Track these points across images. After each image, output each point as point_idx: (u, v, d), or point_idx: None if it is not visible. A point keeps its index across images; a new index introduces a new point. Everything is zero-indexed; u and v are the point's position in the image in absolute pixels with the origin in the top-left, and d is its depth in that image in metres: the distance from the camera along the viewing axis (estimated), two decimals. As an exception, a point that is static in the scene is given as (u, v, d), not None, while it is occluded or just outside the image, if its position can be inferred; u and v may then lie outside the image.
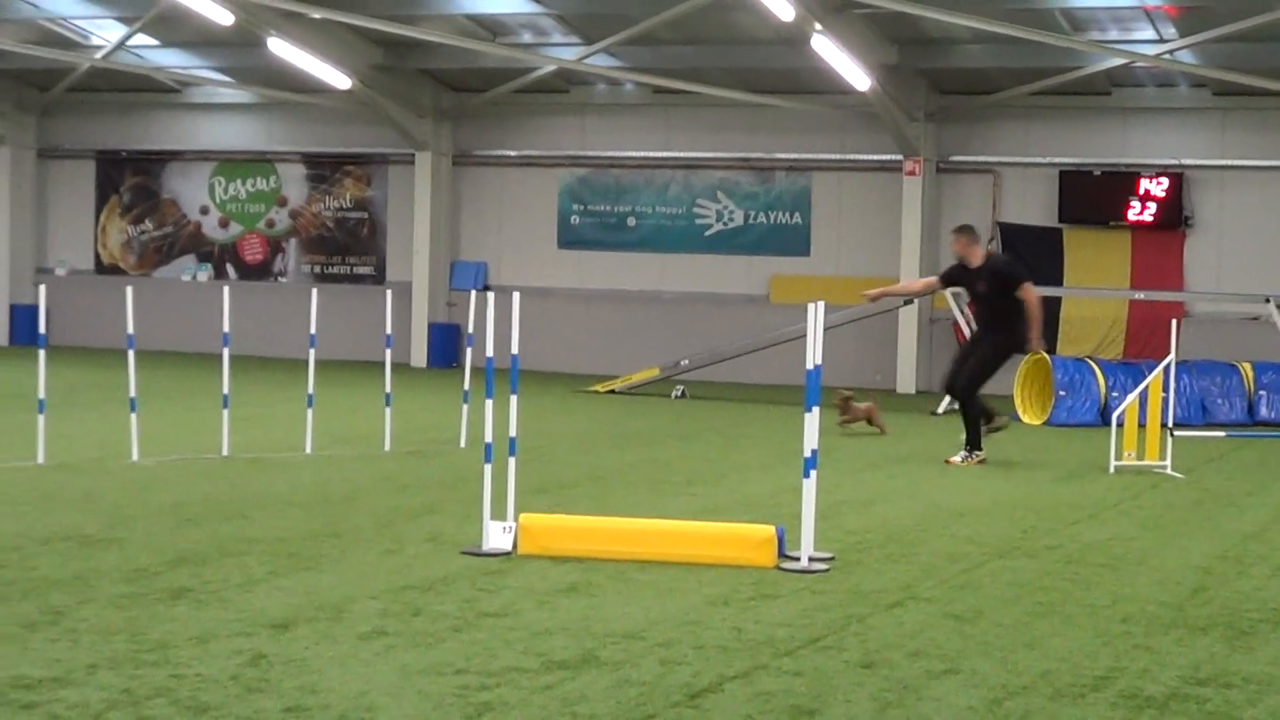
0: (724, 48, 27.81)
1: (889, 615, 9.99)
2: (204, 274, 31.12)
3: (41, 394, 15.98)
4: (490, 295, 12.21)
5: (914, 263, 28.67)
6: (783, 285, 30.07)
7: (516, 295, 12.18)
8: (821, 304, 11.36)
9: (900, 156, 28.92)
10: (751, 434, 21.66)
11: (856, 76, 26.51)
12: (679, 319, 29.98)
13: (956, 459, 18.30)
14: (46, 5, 27.42)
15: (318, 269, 31.16)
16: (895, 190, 29.26)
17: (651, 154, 30.39)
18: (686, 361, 26.87)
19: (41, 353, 16.08)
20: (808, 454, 11.37)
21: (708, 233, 30.36)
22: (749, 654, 8.92)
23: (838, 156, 29.87)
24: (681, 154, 30.31)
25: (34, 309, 30.29)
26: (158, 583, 10.55)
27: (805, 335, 11.66)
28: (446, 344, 30.38)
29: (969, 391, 18.44)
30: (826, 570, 11.29)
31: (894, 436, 21.64)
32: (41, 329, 16.04)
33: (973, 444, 18.41)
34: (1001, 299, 18.37)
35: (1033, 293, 18.27)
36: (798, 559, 11.30)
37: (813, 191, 30.08)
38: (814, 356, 11.33)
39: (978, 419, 18.42)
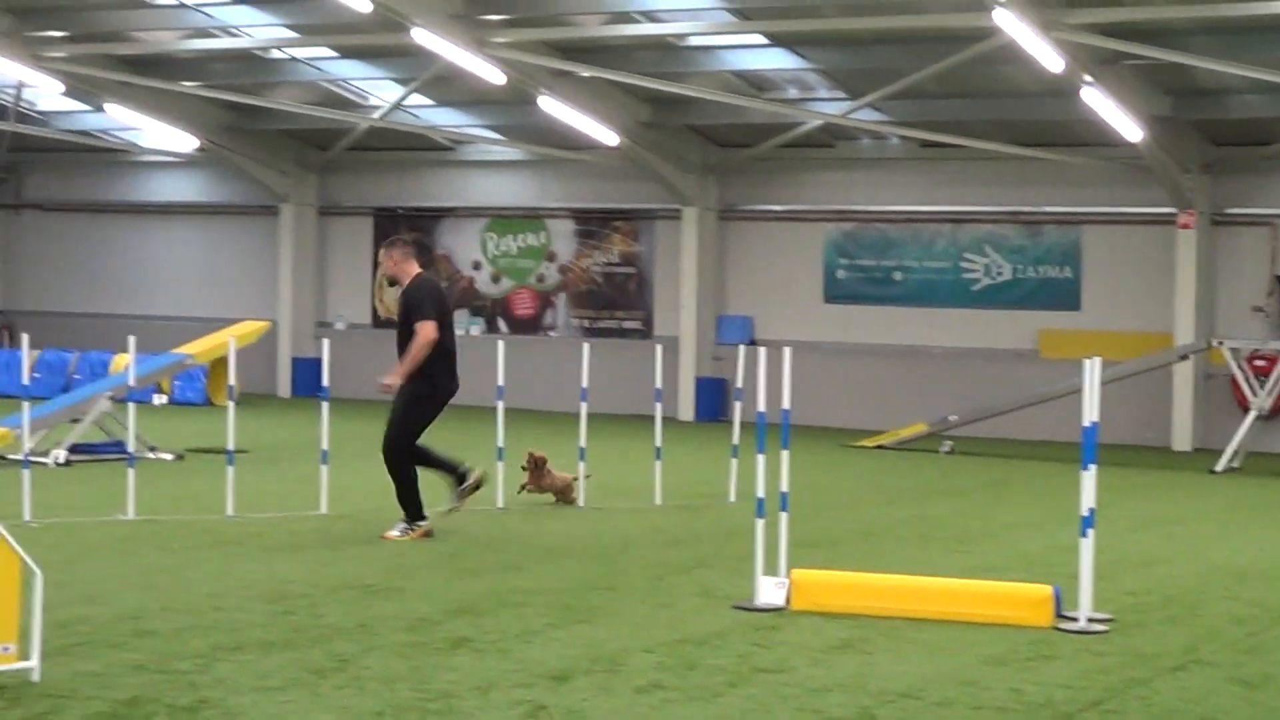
0: (991, 100, 27.63)
1: (1172, 679, 9.80)
2: (476, 328, 31.61)
3: (325, 445, 16.34)
4: (762, 350, 12.23)
5: (1189, 317, 28.16)
6: (1053, 340, 29.73)
7: (788, 350, 12.22)
8: (1098, 360, 11.24)
9: (1173, 209, 28.46)
10: (1022, 490, 21.37)
11: (1128, 128, 26.15)
12: (946, 374, 29.77)
13: (394, 533, 14.80)
14: (328, 68, 28.11)
15: (586, 323, 31.49)
16: (1168, 244, 28.77)
17: (918, 208, 30.26)
18: (955, 417, 26.66)
19: (325, 405, 16.44)
20: (1085, 512, 11.21)
21: (975, 287, 30.14)
22: (1028, 716, 8.82)
23: (1108, 209, 29.45)
24: (948, 208, 30.13)
25: (315, 362, 30.89)
26: (438, 632, 10.72)
27: (1080, 391, 11.51)
28: (713, 398, 30.51)
29: (393, 453, 15.12)
30: (1105, 631, 11.10)
31: (1171, 496, 21.15)
32: (325, 382, 16.40)
33: (412, 514, 14.98)
34: (409, 332, 15.21)
35: (426, 331, 14.97)
36: (1075, 619, 11.13)
37: (1083, 245, 29.70)
38: (1090, 413, 11.19)
39: (411, 485, 15.02)
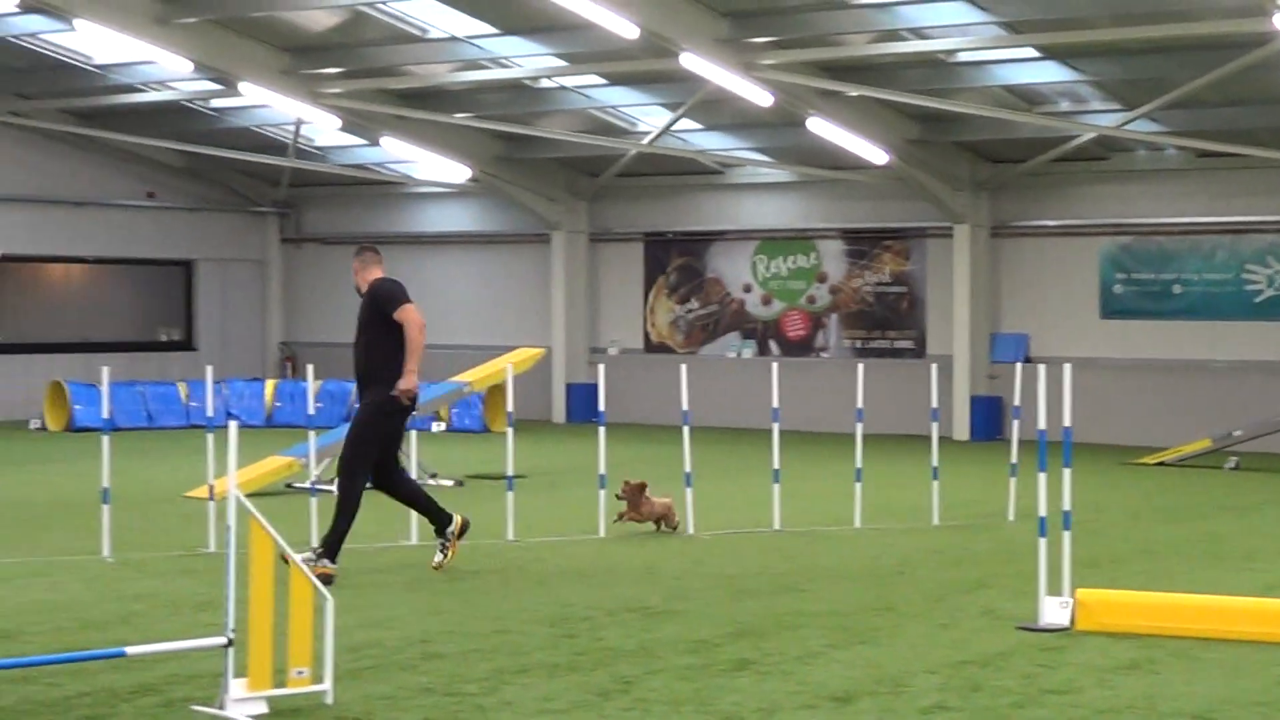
0: (1271, 107, 27.01)
1: None
2: (748, 351, 31.68)
3: (602, 469, 16.50)
4: (1040, 367, 12.12)
5: None
6: (1339, 351, 29.03)
7: (1068, 367, 12.09)
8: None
9: None
10: (1311, 506, 20.86)
11: None
12: (1229, 388, 29.14)
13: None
14: (597, 95, 28.39)
15: (859, 344, 31.40)
16: None
17: (1196, 219, 29.67)
18: (1239, 432, 26.09)
19: (601, 430, 16.61)
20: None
21: (1258, 299, 29.46)
22: (1325, 736, 8.64)
23: (1395, 216, 28.69)
24: (1228, 218, 29.49)
25: (589, 387, 31.32)
26: (720, 654, 10.78)
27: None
28: (988, 417, 30.22)
29: (347, 468, 13.90)
30: (1403, 649, 10.82)
31: None
32: (601, 406, 16.57)
33: (328, 548, 13.57)
34: (375, 331, 14.28)
35: (412, 315, 14.15)
36: (1371, 637, 10.86)
37: (1368, 253, 28.96)
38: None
39: (348, 514, 13.64)
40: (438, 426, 28.44)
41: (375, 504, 18.09)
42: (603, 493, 16.48)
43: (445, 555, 14.16)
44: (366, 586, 13.27)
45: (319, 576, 11.77)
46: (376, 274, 14.44)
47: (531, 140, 30.73)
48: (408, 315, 14.06)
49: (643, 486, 16.84)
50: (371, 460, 13.97)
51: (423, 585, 13.59)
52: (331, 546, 13.57)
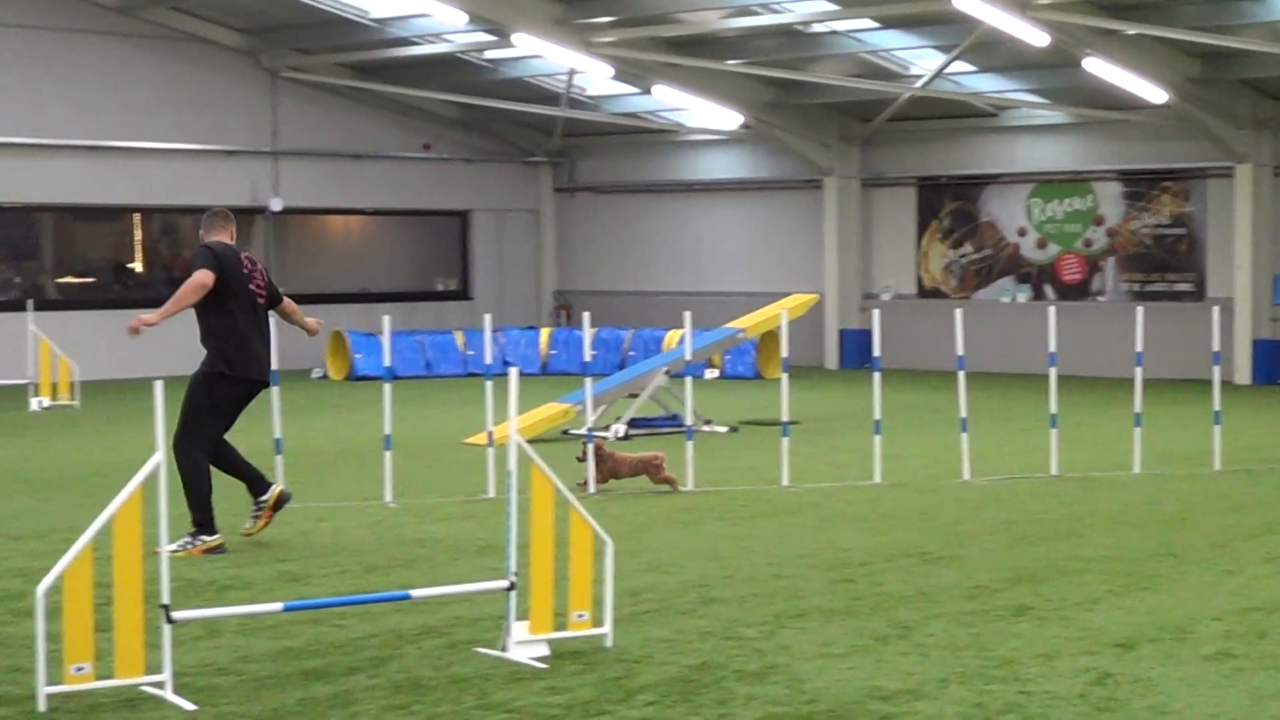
0: None
1: None
2: (1023, 295, 31.29)
3: (877, 415, 16.45)
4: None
5: None
6: None
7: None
8: None
9: None
10: None
11: None
12: None
13: (171, 547, 11.59)
14: (869, 39, 28.19)
15: (1135, 287, 30.86)
16: None
17: None
18: None
19: (876, 375, 16.55)
20: None
21: None
22: None
23: None
24: None
25: (862, 333, 31.23)
26: (998, 600, 10.73)
27: None
28: (1271, 361, 29.53)
29: (180, 444, 12.93)
30: None
31: None
32: (876, 352, 16.51)
33: (199, 523, 12.86)
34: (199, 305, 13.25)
35: (196, 276, 12.96)
36: None
37: None
38: None
39: (200, 486, 12.84)
40: (711, 373, 28.55)
41: (645, 449, 18.23)
42: (878, 439, 16.41)
43: (255, 523, 13.12)
44: (644, 532, 13.39)
45: (210, 550, 12.61)
46: (215, 238, 13.35)
47: (803, 85, 30.63)
48: (193, 275, 13.00)
49: (600, 446, 15.84)
50: (208, 431, 13.06)
51: (699, 531, 13.68)
52: (202, 522, 12.83)
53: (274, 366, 13.74)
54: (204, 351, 13.22)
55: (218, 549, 12.69)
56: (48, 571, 8.34)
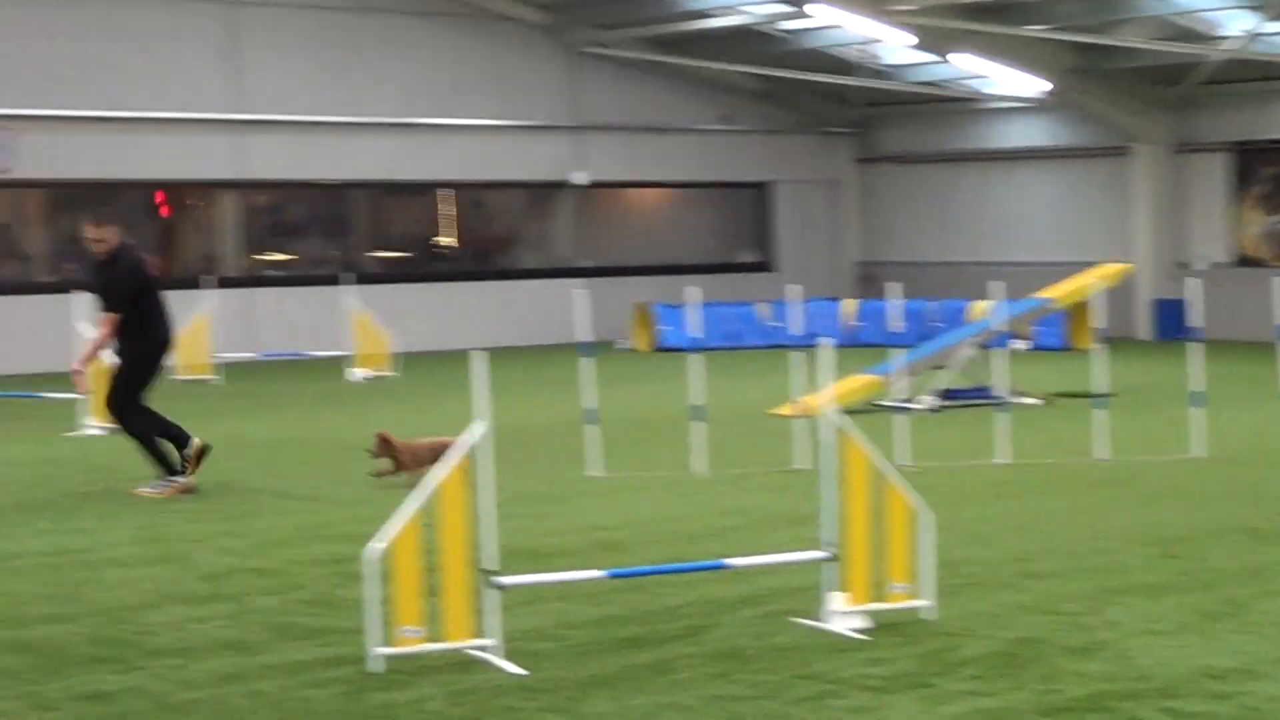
0: None
1: None
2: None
3: (1196, 387, 16.03)
4: None
5: None
6: None
7: None
8: None
9: None
10: None
11: None
12: None
13: (147, 489, 14.36)
14: (1178, 1, 27.57)
15: None
16: None
17: None
18: None
19: (1194, 346, 16.12)
20: None
21: None
22: None
23: None
24: None
25: (1176, 303, 30.52)
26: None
27: None
28: None
29: (119, 411, 14.81)
30: None
31: None
32: (1193, 322, 16.10)
33: (165, 469, 14.55)
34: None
35: (103, 323, 14.85)
36: None
37: None
38: None
39: (149, 440, 14.62)
40: (1022, 344, 28.12)
41: (961, 422, 18.06)
42: (1197, 411, 15.96)
43: (156, 490, 14.34)
44: (959, 505, 13.21)
45: (180, 492, 14.19)
46: (113, 238, 14.96)
47: (1109, 50, 30.01)
48: (102, 322, 14.92)
49: (385, 437, 14.89)
50: (135, 398, 14.76)
51: (1016, 504, 13.50)
52: (163, 465, 14.53)
53: (588, 338, 13.88)
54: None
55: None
56: (376, 538, 8.50)
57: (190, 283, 27.40)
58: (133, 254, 15.34)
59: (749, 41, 31.83)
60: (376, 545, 8.40)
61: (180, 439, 14.75)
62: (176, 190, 29.15)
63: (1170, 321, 30.94)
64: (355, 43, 29.76)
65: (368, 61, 29.90)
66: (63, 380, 20.02)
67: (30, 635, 9.34)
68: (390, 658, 8.47)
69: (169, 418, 15.00)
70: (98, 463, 16.15)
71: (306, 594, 10.32)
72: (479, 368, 8.58)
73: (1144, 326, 31.94)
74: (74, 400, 18.86)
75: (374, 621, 8.45)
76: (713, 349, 28.59)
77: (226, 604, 10.08)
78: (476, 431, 8.49)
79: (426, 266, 31.83)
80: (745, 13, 29.69)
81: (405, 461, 14.74)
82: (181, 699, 8.04)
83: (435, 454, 13.32)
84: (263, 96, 28.91)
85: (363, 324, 25.45)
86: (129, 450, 15.55)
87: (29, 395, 20.67)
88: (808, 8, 27.31)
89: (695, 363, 15.48)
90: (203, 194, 29.42)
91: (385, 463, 14.77)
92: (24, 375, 24.58)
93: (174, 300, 25.97)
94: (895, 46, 30.78)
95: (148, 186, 28.76)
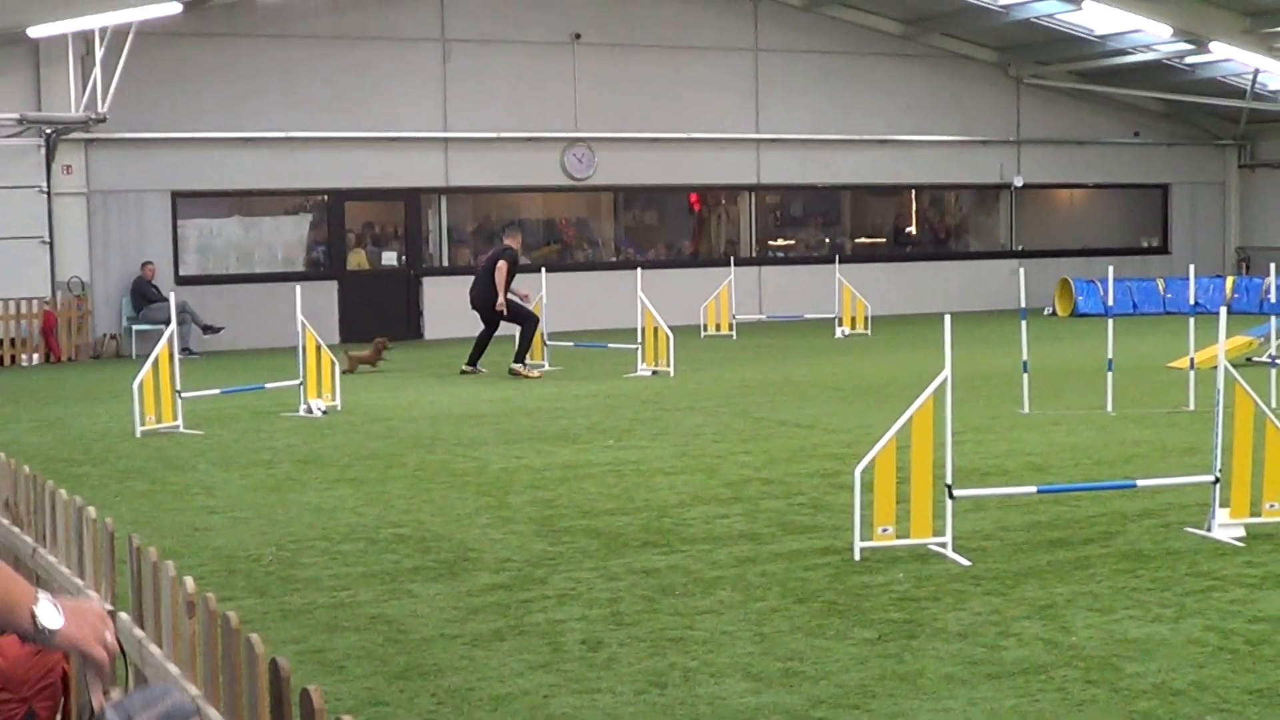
0: None
1: None
2: None
3: None
4: None
5: None
6: None
7: None
8: None
9: None
10: None
11: None
12: None
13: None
14: None
15: None
16: None
17: None
18: None
19: None
20: None
21: None
22: None
23: None
24: None
25: None
26: None
27: None
28: None
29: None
30: None
31: None
32: None
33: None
34: None
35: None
36: None
37: None
38: None
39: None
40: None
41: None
42: None
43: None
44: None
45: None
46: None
47: None
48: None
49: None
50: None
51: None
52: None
53: (1023, 305, 13.61)
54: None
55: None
56: (857, 457, 8.55)
57: (717, 261, 27.87)
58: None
59: (1157, 72, 30.59)
60: (862, 463, 8.46)
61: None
62: (708, 192, 29.63)
63: None
64: (849, 78, 29.69)
65: (857, 92, 29.81)
66: (624, 335, 20.64)
67: (598, 524, 9.65)
68: (868, 550, 8.52)
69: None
70: (647, 398, 16.58)
71: (804, 499, 10.39)
72: (947, 327, 8.54)
73: None
74: (632, 349, 19.44)
75: (857, 521, 8.51)
76: (1120, 315, 27.76)
77: (743, 505, 10.21)
78: (942, 376, 8.46)
79: (897, 249, 31.64)
80: (1155, 50, 28.54)
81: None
82: (710, 575, 8.23)
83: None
84: (776, 120, 29.13)
85: (847, 293, 25.47)
86: (675, 387, 15.90)
87: (599, 345, 21.31)
88: (1208, 46, 26.15)
89: (1107, 326, 15.05)
90: (728, 195, 29.83)
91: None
92: (596, 330, 25.35)
93: (703, 276, 26.98)
94: (1276, 76, 29.17)
95: (686, 190, 29.31)
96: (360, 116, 25.59)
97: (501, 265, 18.98)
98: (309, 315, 16.21)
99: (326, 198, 25.93)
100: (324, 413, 15.32)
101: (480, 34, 26.42)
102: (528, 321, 19.36)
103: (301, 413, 15.36)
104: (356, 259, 26.30)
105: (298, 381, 15.59)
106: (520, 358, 19.13)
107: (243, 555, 8.89)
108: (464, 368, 19.53)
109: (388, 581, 8.16)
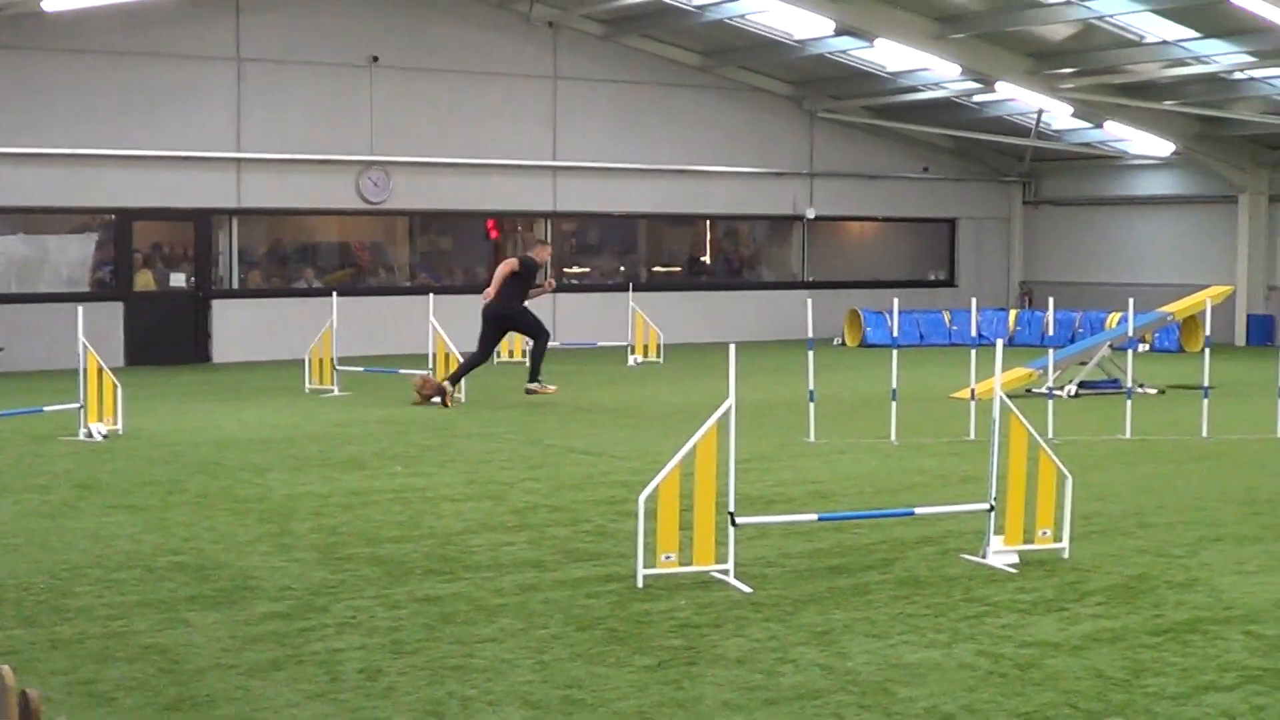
0: None
1: None
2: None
3: (1282, 384, 15.53)
4: None
5: None
6: None
7: None
8: None
9: None
10: None
11: None
12: None
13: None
14: (1278, 84, 26.64)
15: None
16: None
17: None
18: None
19: (1282, 353, 15.61)
20: None
21: None
22: None
23: None
24: None
25: (1265, 318, 29.62)
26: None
27: None
28: None
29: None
30: None
31: None
32: (1282, 334, 15.58)
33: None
34: None
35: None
36: None
37: None
38: None
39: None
40: (1143, 347, 27.43)
41: (1096, 406, 17.67)
42: (1279, 400, 15.51)
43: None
44: (1092, 470, 12.96)
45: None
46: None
47: (1224, 121, 29.12)
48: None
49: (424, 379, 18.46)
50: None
51: (1136, 470, 13.20)
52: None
53: (811, 335, 13.84)
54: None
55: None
56: (644, 485, 8.58)
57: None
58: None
59: (946, 110, 31.39)
60: (646, 490, 8.49)
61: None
62: (505, 218, 29.57)
63: (1261, 332, 30.05)
64: (644, 109, 29.91)
65: (655, 122, 30.03)
66: (418, 361, 20.44)
67: (382, 551, 9.54)
68: (651, 577, 8.56)
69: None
70: (437, 424, 16.46)
71: (590, 526, 10.40)
72: (732, 357, 8.63)
73: (1240, 335, 30.94)
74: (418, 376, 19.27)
75: (640, 548, 8.54)
76: (906, 346, 28.40)
77: (529, 532, 10.18)
78: (726, 404, 8.54)
79: (691, 279, 31.93)
80: (944, 88, 29.30)
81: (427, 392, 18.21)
82: (493, 603, 8.19)
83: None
84: (574, 147, 29.22)
85: (640, 321, 25.62)
86: (466, 413, 15.83)
87: (390, 371, 21.11)
88: (995, 85, 26.94)
89: (893, 356, 15.38)
90: (525, 221, 29.81)
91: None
92: (390, 356, 25.11)
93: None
94: (1059, 115, 30.19)
95: (483, 215, 29.21)
96: (151, 134, 25.01)
97: (508, 262, 18.81)
98: (94, 337, 15.75)
99: (114, 216, 25.26)
100: (105, 437, 14.92)
101: (276, 54, 26.03)
102: (540, 336, 19.14)
103: (81, 437, 14.92)
104: (144, 280, 25.65)
105: (78, 405, 15.14)
106: (535, 375, 19.19)
107: (12, 584, 8.59)
108: (527, 387, 19.36)
109: (163, 610, 7.96)
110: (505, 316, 18.88)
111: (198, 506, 11.13)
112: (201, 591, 8.39)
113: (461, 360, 18.57)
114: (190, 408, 18.09)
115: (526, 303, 19.01)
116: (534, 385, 19.15)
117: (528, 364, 19.60)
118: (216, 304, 25.93)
